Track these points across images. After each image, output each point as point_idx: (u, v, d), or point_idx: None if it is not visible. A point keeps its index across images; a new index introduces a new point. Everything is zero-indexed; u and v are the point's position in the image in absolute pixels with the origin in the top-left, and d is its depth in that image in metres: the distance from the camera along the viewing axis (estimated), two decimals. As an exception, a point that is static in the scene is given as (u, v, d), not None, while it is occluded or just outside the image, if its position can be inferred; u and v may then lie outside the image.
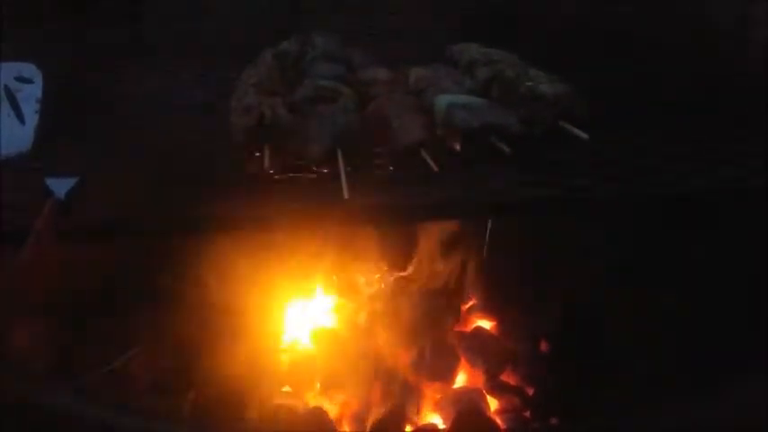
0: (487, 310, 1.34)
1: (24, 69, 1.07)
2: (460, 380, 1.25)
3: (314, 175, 0.91)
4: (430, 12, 1.41)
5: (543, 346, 1.28)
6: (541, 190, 0.87)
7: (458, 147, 0.92)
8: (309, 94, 1.00)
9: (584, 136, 0.93)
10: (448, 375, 1.23)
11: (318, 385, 1.24)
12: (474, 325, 1.34)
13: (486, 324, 1.33)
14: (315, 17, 1.37)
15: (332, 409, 1.20)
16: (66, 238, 0.83)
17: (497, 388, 1.22)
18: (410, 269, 1.37)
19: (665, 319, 1.07)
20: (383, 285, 1.35)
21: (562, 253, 1.24)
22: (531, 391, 1.21)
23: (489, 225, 1.28)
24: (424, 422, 1.18)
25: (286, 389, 1.26)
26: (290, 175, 0.91)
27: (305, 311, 1.36)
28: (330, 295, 1.38)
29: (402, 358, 1.25)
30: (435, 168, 0.88)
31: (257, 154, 0.91)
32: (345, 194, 0.85)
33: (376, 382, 1.20)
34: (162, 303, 1.12)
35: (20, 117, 1.01)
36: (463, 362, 1.25)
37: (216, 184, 0.90)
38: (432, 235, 1.33)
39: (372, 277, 1.37)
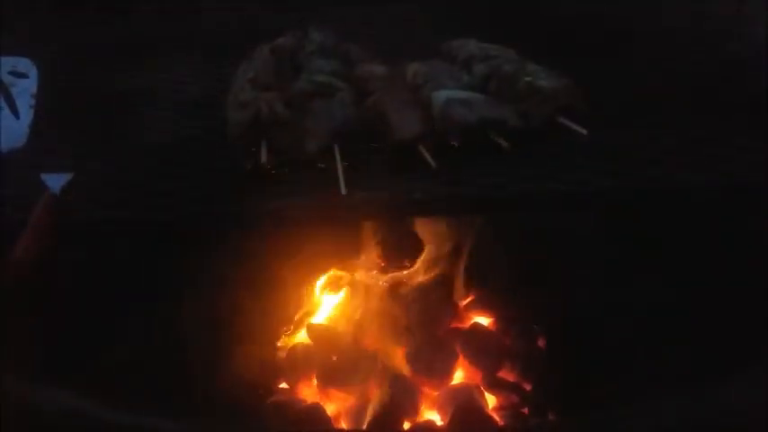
0: (485, 306, 1.34)
1: (19, 64, 1.07)
2: (458, 376, 1.24)
3: (311, 171, 0.90)
4: (428, 7, 1.41)
5: (541, 343, 1.28)
6: (540, 185, 0.87)
7: (456, 142, 0.92)
8: (306, 89, 0.99)
9: (583, 131, 0.93)
10: (445, 372, 1.22)
11: (316, 382, 1.23)
12: (472, 321, 1.33)
13: (484, 320, 1.33)
14: (312, 12, 1.37)
15: (329, 406, 1.20)
16: (62, 235, 0.83)
17: (495, 384, 1.21)
18: (408, 265, 1.36)
19: (664, 315, 1.07)
20: (381, 281, 1.35)
21: (560, 248, 1.24)
22: (529, 388, 1.21)
23: (487, 221, 1.27)
24: (421, 419, 1.18)
25: (283, 385, 1.25)
26: (287, 170, 0.90)
27: (302, 307, 1.36)
28: (327, 291, 1.38)
29: (399, 355, 1.24)
30: (433, 164, 0.88)
31: (254, 149, 0.91)
32: (342, 190, 0.85)
33: (373, 379, 1.19)
34: (160, 302, 1.12)
35: (14, 112, 1.00)
36: (461, 358, 1.25)
37: (212, 180, 0.90)
38: (429, 231, 1.33)
39: (370, 273, 1.36)
